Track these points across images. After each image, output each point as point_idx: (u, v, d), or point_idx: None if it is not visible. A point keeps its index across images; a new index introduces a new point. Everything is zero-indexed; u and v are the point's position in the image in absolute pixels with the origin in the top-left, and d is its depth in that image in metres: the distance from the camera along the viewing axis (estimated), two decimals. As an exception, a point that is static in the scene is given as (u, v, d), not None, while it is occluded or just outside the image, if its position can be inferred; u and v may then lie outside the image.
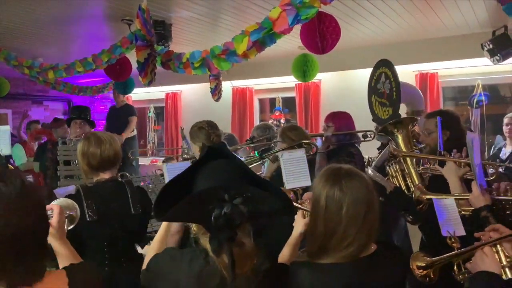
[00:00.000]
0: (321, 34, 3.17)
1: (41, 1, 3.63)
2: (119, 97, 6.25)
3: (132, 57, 4.53)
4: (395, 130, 2.91)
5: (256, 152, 3.27)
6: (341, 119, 3.32)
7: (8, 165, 2.86)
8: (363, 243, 1.31)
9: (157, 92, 7.96)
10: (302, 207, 1.61)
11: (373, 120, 3.98)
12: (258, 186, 1.20)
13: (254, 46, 2.54)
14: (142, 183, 2.98)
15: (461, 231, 1.74)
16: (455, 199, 1.89)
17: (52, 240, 1.36)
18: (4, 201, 0.94)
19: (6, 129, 3.12)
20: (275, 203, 1.23)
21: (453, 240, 1.60)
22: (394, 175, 2.73)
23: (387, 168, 2.74)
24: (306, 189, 2.04)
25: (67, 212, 1.57)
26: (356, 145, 3.34)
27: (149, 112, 8.46)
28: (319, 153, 3.14)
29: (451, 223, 1.77)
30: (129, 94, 7.31)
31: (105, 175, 2.14)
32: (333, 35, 3.25)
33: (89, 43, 5.18)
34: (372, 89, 4.00)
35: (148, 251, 1.56)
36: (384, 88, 3.82)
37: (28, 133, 5.64)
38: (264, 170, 2.87)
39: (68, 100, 8.91)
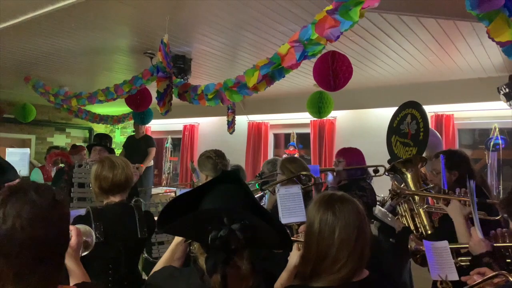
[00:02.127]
0: (334, 72, 3.26)
1: (70, 34, 3.86)
2: (140, 128, 6.44)
3: (153, 88, 4.73)
4: (404, 169, 2.90)
5: (256, 184, 3.30)
6: (351, 155, 3.34)
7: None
8: (355, 267, 1.32)
9: (175, 124, 8.16)
10: (298, 240, 1.64)
11: (389, 161, 3.94)
12: (261, 217, 1.22)
13: (264, 79, 2.63)
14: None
15: (454, 276, 1.69)
16: (454, 245, 1.84)
17: (68, 260, 1.44)
18: (36, 211, 1.02)
19: (26, 151, 3.25)
20: (274, 236, 1.25)
21: (444, 285, 1.57)
22: (403, 214, 2.70)
23: (397, 207, 2.72)
24: (301, 224, 2.05)
25: (84, 238, 1.65)
26: (368, 180, 3.34)
27: (167, 143, 8.63)
28: (330, 188, 3.14)
29: (443, 267, 1.72)
30: (149, 125, 7.51)
31: (115, 199, 2.20)
32: (346, 74, 3.33)
33: (112, 74, 5.42)
34: (393, 129, 3.98)
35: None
36: (409, 129, 3.80)
37: (47, 156, 5.82)
38: (265, 202, 2.89)
39: (89, 128, 9.21)
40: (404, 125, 3.85)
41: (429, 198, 2.71)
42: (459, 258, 1.83)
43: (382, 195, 3.95)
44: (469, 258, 1.76)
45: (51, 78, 5.58)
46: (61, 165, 5.02)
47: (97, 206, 2.23)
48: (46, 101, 5.63)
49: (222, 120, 6.70)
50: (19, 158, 2.88)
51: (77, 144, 5.64)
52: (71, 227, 1.47)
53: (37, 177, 5.31)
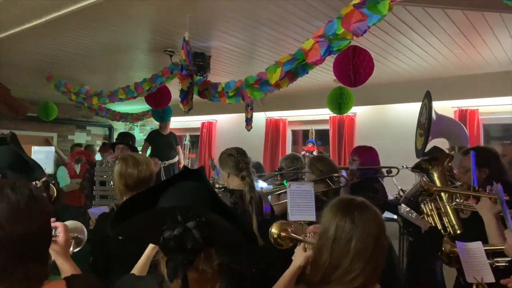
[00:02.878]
0: (355, 68, 3.20)
1: (91, 33, 3.90)
2: (168, 125, 6.46)
3: (172, 86, 4.74)
4: (430, 166, 2.82)
5: (285, 181, 3.27)
6: (366, 154, 3.31)
7: (50, 184, 3.01)
8: (368, 280, 1.24)
9: (193, 121, 8.18)
10: (305, 240, 1.58)
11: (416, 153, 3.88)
12: (221, 213, 1.13)
13: (287, 76, 2.60)
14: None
15: (490, 278, 1.63)
16: (489, 247, 1.77)
17: (57, 257, 1.42)
18: (11, 207, 1.01)
19: (52, 150, 3.31)
20: (236, 233, 1.16)
21: (480, 287, 1.50)
22: (429, 213, 2.62)
23: (422, 206, 2.64)
24: (310, 223, 2.00)
25: (75, 234, 1.64)
26: (380, 180, 3.29)
27: (185, 140, 8.67)
28: (343, 188, 3.11)
29: (478, 269, 1.65)
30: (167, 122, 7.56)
31: None
32: (367, 69, 3.27)
33: (132, 72, 5.46)
34: (418, 122, 3.97)
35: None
36: (423, 119, 3.78)
37: (70, 155, 5.92)
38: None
39: (109, 126, 9.33)
40: (422, 116, 3.82)
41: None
42: (495, 259, 1.76)
43: (400, 187, 3.87)
44: (507, 259, 1.69)
45: (72, 77, 5.66)
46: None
47: (120, 203, 2.24)
48: (67, 100, 5.72)
49: (240, 117, 6.69)
50: (44, 156, 2.93)
51: (106, 142, 5.72)
52: (58, 224, 1.46)
53: (63, 174, 5.41)
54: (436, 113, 3.79)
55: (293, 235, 1.78)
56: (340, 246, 1.26)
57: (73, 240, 1.57)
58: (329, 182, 2.76)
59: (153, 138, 6.45)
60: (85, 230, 1.68)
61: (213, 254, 1.15)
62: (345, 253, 1.24)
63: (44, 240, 1.09)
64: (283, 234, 1.79)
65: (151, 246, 1.64)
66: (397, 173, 3.32)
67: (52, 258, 1.44)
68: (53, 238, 1.43)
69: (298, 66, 2.48)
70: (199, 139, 8.31)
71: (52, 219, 1.56)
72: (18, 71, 5.54)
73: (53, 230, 1.46)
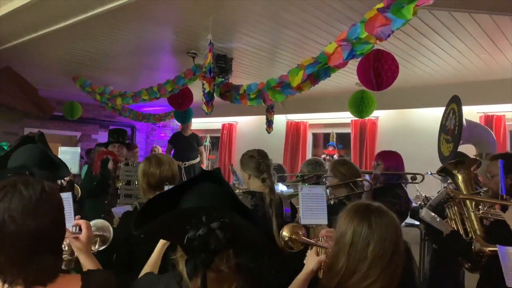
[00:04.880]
0: (376, 71, 3.16)
1: (116, 35, 3.99)
2: (189, 126, 6.59)
3: (193, 88, 4.79)
4: (456, 170, 2.77)
5: (306, 184, 3.25)
6: (391, 159, 3.26)
7: (75, 184, 3.09)
8: (386, 286, 1.23)
9: (214, 122, 8.25)
10: (318, 244, 1.57)
11: (441, 160, 3.81)
12: (244, 216, 1.15)
13: (309, 79, 2.59)
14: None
15: None
16: None
17: (79, 253, 1.47)
18: (24, 203, 1.05)
19: (77, 150, 3.38)
20: (257, 236, 1.18)
21: None
22: (452, 217, 2.58)
23: (447, 210, 2.60)
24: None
25: (101, 232, 1.68)
26: (404, 186, 3.24)
27: (205, 141, 8.74)
28: (365, 192, 3.07)
29: None
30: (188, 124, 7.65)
31: None
32: (389, 73, 3.22)
33: (155, 73, 5.55)
34: (442, 127, 3.88)
35: (141, 274, 1.60)
36: (451, 124, 3.69)
37: (96, 153, 6.03)
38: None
39: (132, 126, 9.49)
40: (448, 121, 3.72)
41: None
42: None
43: (424, 195, 3.79)
44: None
45: (96, 77, 5.79)
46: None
47: (144, 202, 2.28)
48: (91, 99, 5.85)
49: (260, 119, 6.70)
50: (70, 157, 3.00)
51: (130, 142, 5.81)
52: (81, 221, 1.50)
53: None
54: (465, 119, 3.71)
55: (305, 238, 1.77)
56: (357, 251, 1.25)
57: (98, 238, 1.61)
58: (352, 186, 2.73)
59: (175, 139, 6.57)
60: (111, 228, 1.72)
61: (231, 254, 1.16)
62: (363, 258, 1.23)
63: (57, 234, 1.13)
64: (294, 237, 1.79)
65: (161, 243, 1.67)
66: (422, 180, 3.25)
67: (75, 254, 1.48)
68: (76, 235, 1.48)
69: (320, 69, 2.48)
70: (220, 141, 8.36)
71: (77, 217, 1.60)
72: (45, 72, 5.71)
73: (76, 228, 1.51)
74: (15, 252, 1.04)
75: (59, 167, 2.10)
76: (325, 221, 2.03)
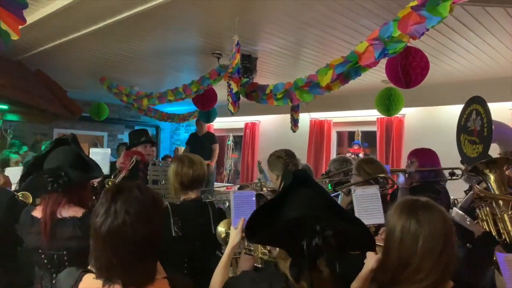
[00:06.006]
0: (404, 69, 3.09)
1: (143, 37, 4.04)
2: (203, 126, 6.64)
3: (218, 88, 4.82)
4: (487, 170, 2.69)
5: (329, 184, 3.22)
6: (425, 156, 3.18)
7: (105, 185, 3.16)
8: (438, 279, 1.24)
9: (237, 121, 8.27)
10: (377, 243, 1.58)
11: (461, 161, 3.73)
12: (346, 220, 1.21)
13: (338, 78, 2.56)
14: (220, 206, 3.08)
15: None
16: None
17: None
18: (141, 208, 1.10)
19: (107, 151, 3.45)
20: (360, 238, 1.24)
21: None
22: (484, 218, 2.51)
23: (477, 210, 2.53)
24: (379, 226, 1.98)
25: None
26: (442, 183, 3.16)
27: (228, 140, 8.79)
28: (401, 189, 3.00)
29: None
30: (211, 123, 7.70)
31: (192, 195, 2.28)
32: (417, 69, 3.15)
33: (180, 74, 5.61)
34: (462, 127, 3.77)
35: (214, 275, 1.67)
36: (475, 126, 3.58)
37: (124, 153, 6.14)
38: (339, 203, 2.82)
39: (157, 126, 9.63)
40: (470, 122, 3.62)
41: None
42: None
43: (452, 197, 3.70)
44: None
45: (123, 78, 5.90)
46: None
47: (174, 201, 2.31)
48: (117, 100, 5.96)
49: (284, 118, 6.67)
50: (101, 158, 3.06)
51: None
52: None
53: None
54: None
55: None
56: (406, 247, 1.27)
57: None
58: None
59: (190, 140, 6.77)
60: None
61: (327, 257, 1.22)
62: (413, 253, 1.26)
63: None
64: None
65: (230, 245, 1.74)
66: (462, 176, 3.15)
67: None
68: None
69: (351, 68, 2.45)
70: (242, 140, 8.38)
71: None
72: (73, 74, 5.85)
73: None
74: (125, 255, 1.08)
75: (92, 168, 2.15)
76: (381, 220, 2.03)
